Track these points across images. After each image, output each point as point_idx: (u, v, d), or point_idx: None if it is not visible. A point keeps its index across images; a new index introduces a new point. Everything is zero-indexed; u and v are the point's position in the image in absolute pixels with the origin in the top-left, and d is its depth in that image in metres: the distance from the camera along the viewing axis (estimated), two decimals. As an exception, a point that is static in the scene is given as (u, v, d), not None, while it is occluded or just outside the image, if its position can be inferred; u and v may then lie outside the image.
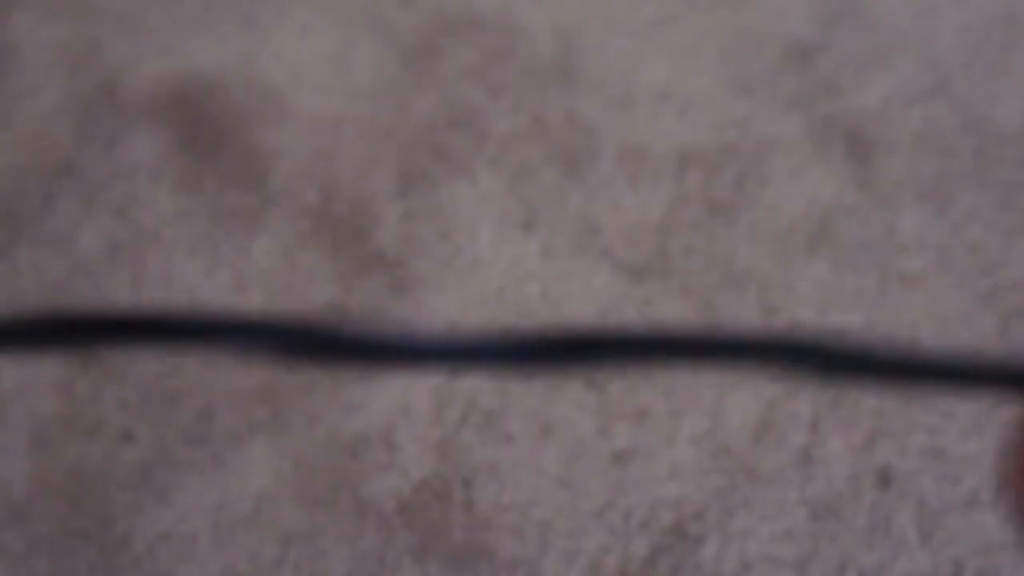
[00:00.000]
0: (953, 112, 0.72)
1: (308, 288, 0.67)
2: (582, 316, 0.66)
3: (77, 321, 0.14)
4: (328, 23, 0.77)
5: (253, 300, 0.68)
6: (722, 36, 0.76)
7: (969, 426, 0.60)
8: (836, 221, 0.69)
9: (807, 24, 0.76)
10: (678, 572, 0.58)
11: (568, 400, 0.62)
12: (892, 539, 0.57)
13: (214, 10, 0.78)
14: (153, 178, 0.71)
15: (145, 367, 0.65)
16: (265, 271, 0.67)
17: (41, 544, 0.60)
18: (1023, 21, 0.76)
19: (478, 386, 0.63)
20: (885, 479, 0.59)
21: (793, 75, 0.74)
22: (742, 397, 0.61)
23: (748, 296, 0.66)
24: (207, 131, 0.73)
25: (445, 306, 0.66)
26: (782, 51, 0.75)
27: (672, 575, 0.58)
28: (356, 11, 0.77)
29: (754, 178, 0.71)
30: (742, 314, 0.66)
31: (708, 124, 0.73)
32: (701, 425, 0.61)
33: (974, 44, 0.75)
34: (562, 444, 0.61)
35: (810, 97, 0.74)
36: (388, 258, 0.67)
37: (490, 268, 0.67)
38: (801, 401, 0.61)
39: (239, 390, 0.64)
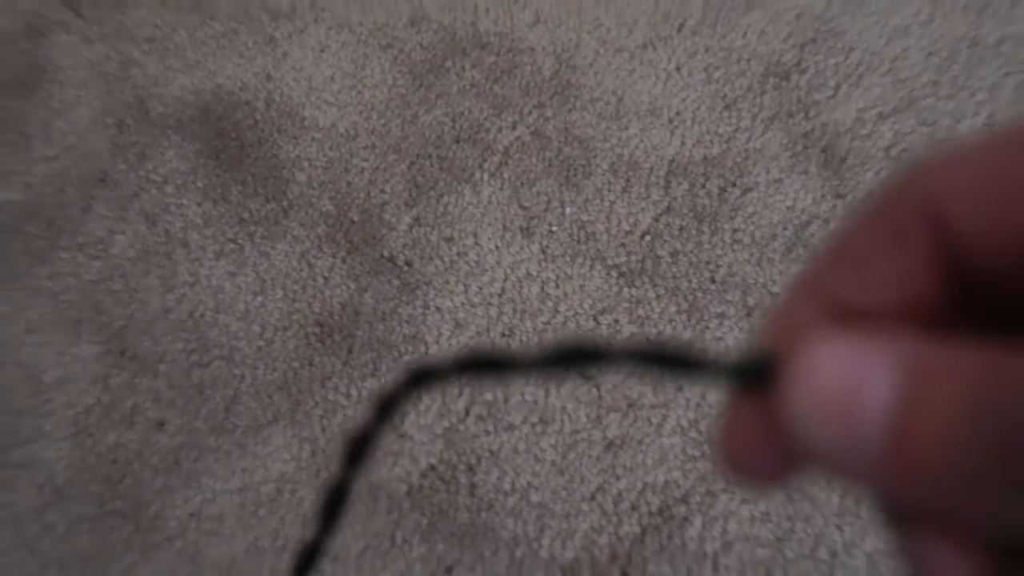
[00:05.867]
0: (921, 127, 0.72)
1: (324, 289, 0.67)
2: (577, 315, 0.66)
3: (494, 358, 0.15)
4: (342, 43, 0.77)
5: (274, 300, 0.68)
6: (707, 57, 0.76)
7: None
8: (813, 228, 0.69)
9: (786, 46, 0.76)
10: (665, 551, 0.58)
11: (564, 393, 0.63)
12: (860, 520, 0.58)
13: (237, 31, 0.77)
14: (181, 187, 0.71)
15: (175, 362, 0.66)
16: (285, 273, 0.68)
17: (82, 522, 0.61)
18: (985, 44, 0.76)
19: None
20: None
21: (773, 93, 0.74)
22: (723, 390, 0.62)
23: (731, 297, 0.66)
24: (231, 144, 0.73)
25: (450, 307, 0.66)
26: (763, 71, 0.75)
27: (659, 554, 0.58)
28: (368, 32, 0.77)
29: (736, 188, 0.71)
30: (725, 313, 0.66)
31: (694, 138, 0.73)
32: (686, 416, 0.62)
33: (940, 65, 0.75)
34: (558, 433, 0.62)
35: (788, 113, 0.73)
36: (398, 261, 0.68)
37: (492, 270, 0.68)
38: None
39: (261, 383, 0.64)
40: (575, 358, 0.15)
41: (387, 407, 0.16)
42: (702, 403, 0.62)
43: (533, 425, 0.62)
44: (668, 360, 0.15)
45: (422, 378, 0.16)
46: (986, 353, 0.13)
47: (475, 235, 0.69)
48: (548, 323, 0.66)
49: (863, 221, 0.15)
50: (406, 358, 0.65)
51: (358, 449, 0.16)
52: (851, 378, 0.13)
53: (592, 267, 0.68)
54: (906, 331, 0.14)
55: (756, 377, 0.15)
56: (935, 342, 0.13)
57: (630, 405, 0.62)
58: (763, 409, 0.15)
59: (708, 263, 0.68)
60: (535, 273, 0.68)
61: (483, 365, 0.15)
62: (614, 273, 0.68)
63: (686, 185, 0.71)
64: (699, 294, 0.67)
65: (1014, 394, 0.12)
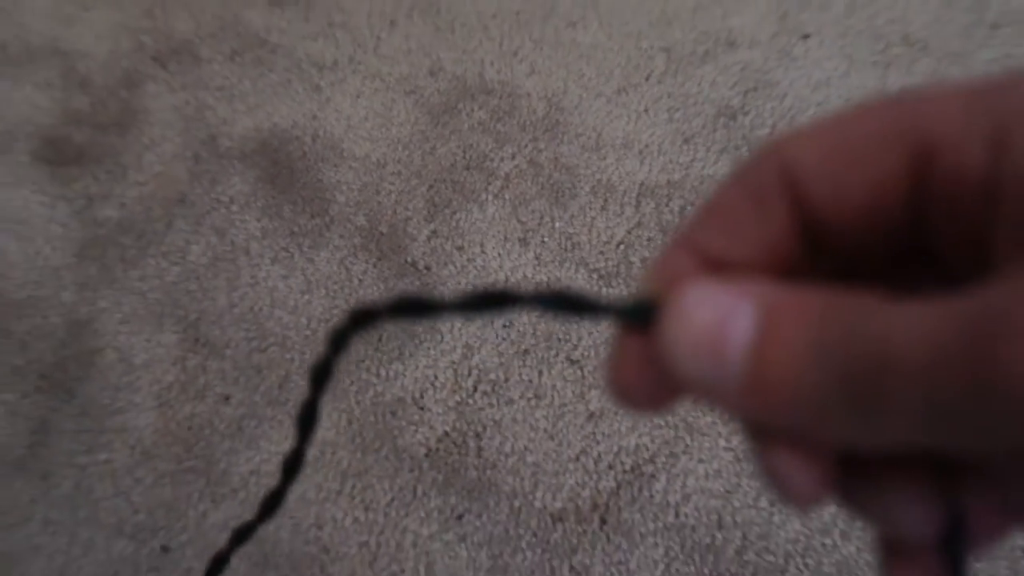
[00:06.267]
0: None
1: (359, 288, 0.68)
2: None
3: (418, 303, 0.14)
4: (374, 90, 0.77)
5: (318, 298, 0.68)
6: (670, 101, 0.76)
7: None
8: None
9: (733, 93, 0.76)
10: (636, 501, 0.58)
11: (555, 373, 0.63)
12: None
13: (290, 80, 0.78)
14: (244, 206, 0.72)
15: (238, 347, 0.66)
16: (327, 276, 0.68)
17: (164, 477, 0.61)
18: (889, 92, 0.76)
19: (486, 362, 0.63)
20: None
21: (723, 130, 0.74)
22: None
23: None
24: (284, 171, 0.73)
25: None
26: (715, 112, 0.75)
27: (631, 504, 0.58)
28: (395, 81, 0.78)
29: (693, 207, 0.71)
30: None
31: (659, 166, 0.73)
32: None
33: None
34: (549, 406, 0.62)
35: (735, 147, 0.74)
36: (419, 266, 0.68)
37: (496, 274, 0.68)
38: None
39: (308, 364, 0.65)
40: (490, 301, 0.14)
41: (338, 341, 0.16)
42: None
43: (528, 400, 0.63)
44: (568, 303, 0.14)
45: (363, 318, 0.15)
46: (828, 294, 0.12)
47: (481, 245, 0.69)
48: (541, 317, 0.66)
49: (730, 186, 0.14)
50: (424, 344, 0.66)
51: (320, 375, 0.16)
52: (718, 317, 0.13)
53: (577, 270, 0.68)
54: (764, 278, 0.14)
55: (639, 318, 0.14)
56: (787, 286, 0.13)
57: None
58: (645, 345, 0.14)
59: (672, 267, 0.69)
60: (530, 276, 0.68)
61: (414, 307, 0.15)
62: (595, 275, 0.68)
63: (653, 204, 0.71)
64: (664, 292, 0.67)
65: (850, 326, 0.12)
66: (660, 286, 0.14)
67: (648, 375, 0.14)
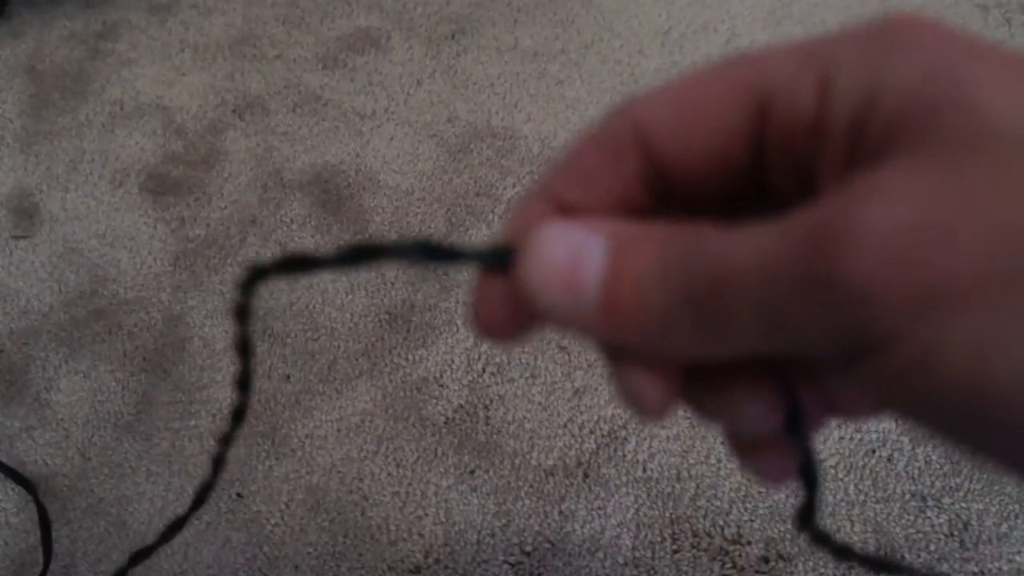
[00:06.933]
0: None
1: (391, 290, 0.68)
2: None
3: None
4: (404, 134, 0.78)
5: (359, 297, 0.68)
6: None
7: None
8: None
9: None
10: (612, 459, 0.58)
11: (547, 357, 0.63)
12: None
13: (338, 127, 0.78)
14: (301, 226, 0.72)
15: (296, 337, 0.66)
16: (365, 280, 0.68)
17: (239, 439, 0.60)
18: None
19: (493, 349, 0.63)
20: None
21: None
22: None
23: None
24: (333, 198, 0.74)
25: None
26: None
27: (608, 461, 0.58)
28: (421, 126, 0.78)
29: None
30: None
31: None
32: None
33: None
34: (543, 384, 0.62)
35: None
36: (439, 273, 0.68)
37: None
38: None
39: (351, 351, 0.65)
40: (364, 254, 0.13)
41: (245, 288, 0.15)
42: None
43: (526, 379, 0.62)
44: (432, 251, 0.13)
45: (258, 274, 0.14)
46: (671, 225, 0.12)
47: None
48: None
49: (584, 142, 0.13)
50: (444, 334, 0.65)
51: (240, 313, 0.16)
52: (571, 251, 0.12)
53: None
54: (614, 217, 0.13)
55: (500, 262, 0.13)
56: (635, 222, 0.12)
57: (590, 365, 0.62)
58: (506, 285, 0.13)
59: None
60: None
61: (298, 263, 0.14)
62: None
63: None
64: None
65: (691, 249, 0.11)
66: (518, 232, 0.13)
67: (508, 311, 0.13)
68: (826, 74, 0.11)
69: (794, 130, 0.11)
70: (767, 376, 0.12)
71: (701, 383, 0.13)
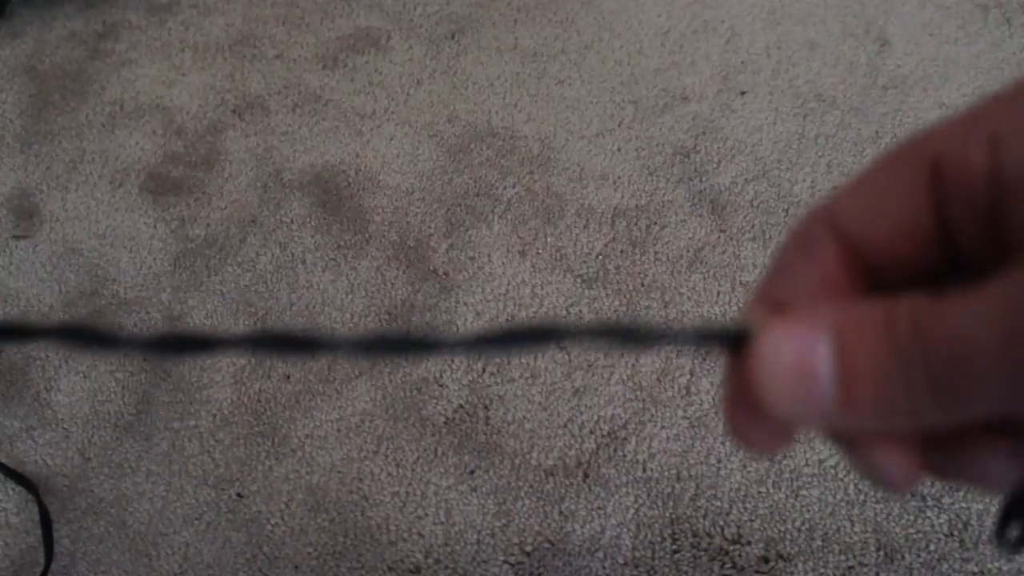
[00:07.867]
0: (771, 188, 0.72)
1: (391, 291, 0.68)
2: (555, 307, 0.66)
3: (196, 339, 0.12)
4: (404, 134, 0.77)
5: (359, 298, 0.68)
6: (637, 142, 0.76)
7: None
8: (705, 252, 0.69)
9: (686, 136, 0.76)
10: (612, 460, 0.58)
11: (547, 358, 0.62)
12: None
13: (339, 127, 0.78)
14: (301, 225, 0.72)
15: None
16: (366, 280, 0.68)
17: (238, 439, 0.62)
18: (808, 137, 0.75)
19: None
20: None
21: (679, 165, 0.74)
22: (650, 355, 0.62)
23: (654, 297, 0.67)
24: (333, 197, 0.74)
25: (473, 302, 0.66)
26: (672, 151, 0.75)
27: (608, 461, 0.58)
28: (421, 126, 0.78)
29: (657, 226, 0.71)
30: (651, 307, 0.66)
31: (629, 193, 0.73)
32: (625, 372, 0.62)
33: (782, 148, 0.75)
34: (543, 384, 0.61)
35: (689, 178, 0.74)
36: (439, 273, 0.68)
37: (500, 279, 0.68)
38: (684, 358, 0.62)
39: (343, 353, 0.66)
40: (543, 336, 0.13)
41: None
42: (636, 363, 0.62)
43: (526, 379, 0.62)
44: (629, 335, 0.13)
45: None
46: (882, 302, 0.12)
47: (489, 256, 0.69)
48: (536, 313, 0.65)
49: (785, 244, 0.14)
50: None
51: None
52: (799, 354, 0.12)
53: (564, 276, 0.68)
54: (823, 304, 0.13)
55: (729, 345, 0.13)
56: (846, 304, 0.12)
57: (589, 365, 0.63)
58: (738, 386, 0.13)
59: (639, 274, 0.68)
60: (527, 280, 0.68)
61: (279, 342, 0.13)
62: (579, 280, 0.68)
63: (625, 223, 0.71)
64: (633, 294, 0.67)
65: (916, 325, 0.11)
66: (759, 318, 0.13)
67: (765, 430, 0.13)
68: (993, 129, 0.11)
69: (971, 189, 0.12)
70: (1000, 428, 0.13)
71: (938, 447, 0.13)
